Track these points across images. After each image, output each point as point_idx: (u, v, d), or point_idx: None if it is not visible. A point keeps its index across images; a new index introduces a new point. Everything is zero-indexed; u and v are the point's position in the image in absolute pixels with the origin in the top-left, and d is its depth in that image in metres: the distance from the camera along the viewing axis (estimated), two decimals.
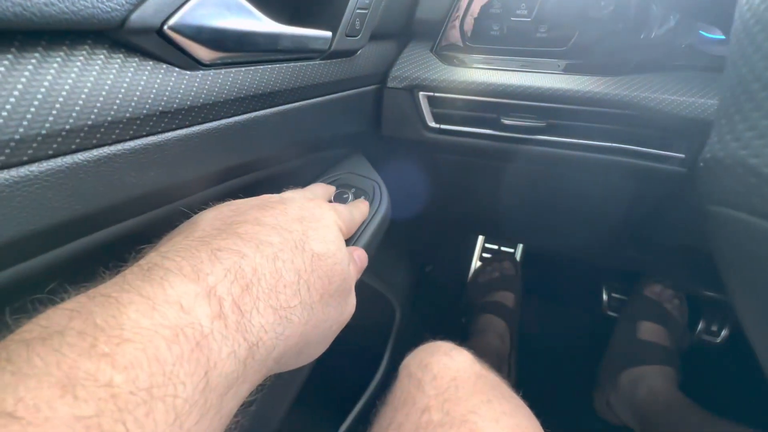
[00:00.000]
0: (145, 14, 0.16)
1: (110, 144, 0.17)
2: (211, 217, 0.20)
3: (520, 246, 0.89)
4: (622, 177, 0.42)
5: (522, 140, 0.41)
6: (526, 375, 0.74)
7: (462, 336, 0.76)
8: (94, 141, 0.16)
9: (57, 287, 0.15)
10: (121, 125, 0.17)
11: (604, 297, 0.82)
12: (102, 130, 0.16)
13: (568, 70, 0.39)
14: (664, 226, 0.49)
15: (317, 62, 0.30)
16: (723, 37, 0.36)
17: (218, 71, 0.22)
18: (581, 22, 0.38)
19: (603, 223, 0.53)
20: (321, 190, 0.32)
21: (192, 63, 0.20)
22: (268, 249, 0.18)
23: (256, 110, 0.26)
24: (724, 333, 0.74)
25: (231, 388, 0.15)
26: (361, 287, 0.25)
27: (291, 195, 0.25)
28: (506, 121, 0.39)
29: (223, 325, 0.15)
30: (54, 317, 0.13)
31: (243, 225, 0.19)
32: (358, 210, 0.31)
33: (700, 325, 0.75)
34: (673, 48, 0.38)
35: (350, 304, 0.24)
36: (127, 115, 0.17)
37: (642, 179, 0.41)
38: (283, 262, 0.19)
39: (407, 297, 0.64)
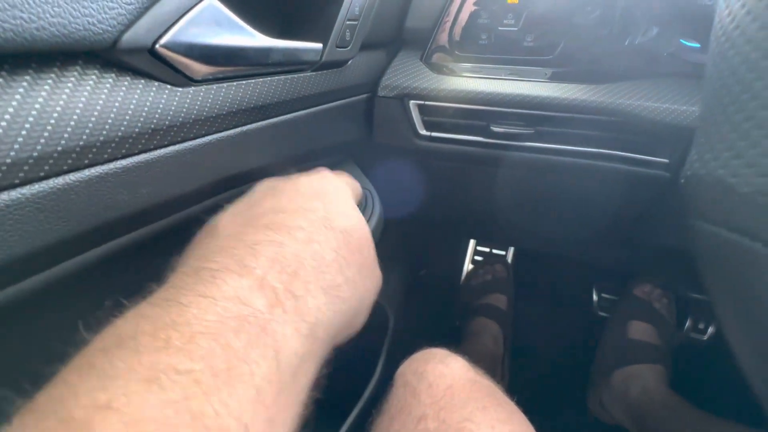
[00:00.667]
0: (137, 34, 0.16)
1: (102, 163, 0.17)
2: (228, 218, 0.20)
3: (512, 249, 0.90)
4: (609, 181, 0.42)
5: (511, 147, 0.41)
6: (520, 377, 0.75)
7: (456, 339, 0.76)
8: (86, 161, 0.16)
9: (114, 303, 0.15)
10: (113, 144, 0.17)
11: (595, 297, 0.83)
12: (94, 150, 0.16)
13: (554, 78, 0.40)
14: (651, 228, 0.50)
15: (308, 74, 0.30)
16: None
17: (210, 87, 0.22)
18: (567, 30, 0.39)
19: (592, 226, 0.54)
20: None
21: (183, 80, 0.20)
22: (300, 233, 0.19)
23: (248, 123, 0.26)
24: (710, 330, 0.75)
25: (301, 366, 0.16)
26: None
27: (284, 182, 0.25)
28: (495, 129, 0.40)
29: (281, 311, 0.16)
30: (123, 326, 0.14)
31: (264, 216, 0.19)
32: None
33: (688, 323, 0.77)
34: (656, 56, 0.39)
35: (379, 271, 0.24)
36: (119, 134, 0.17)
37: (628, 183, 0.42)
38: (319, 244, 0.19)
39: (401, 302, 0.64)
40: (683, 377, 0.66)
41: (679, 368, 0.68)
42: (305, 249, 0.18)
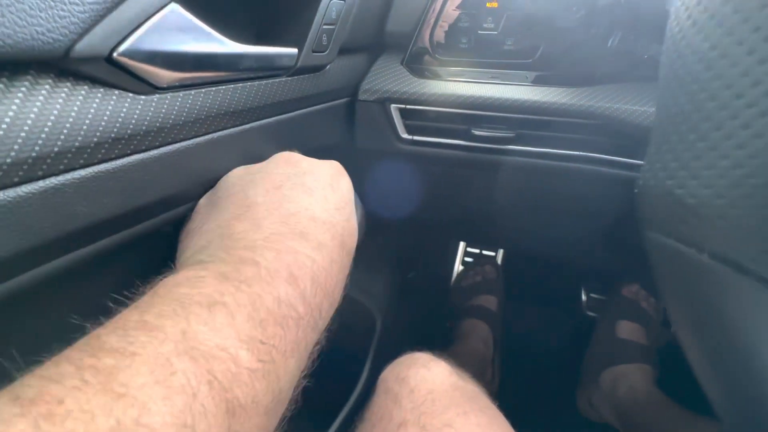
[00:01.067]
0: (91, 42, 0.16)
1: (57, 174, 0.17)
2: (261, 196, 0.23)
3: (501, 250, 0.90)
4: (592, 183, 0.43)
5: (494, 150, 0.41)
6: (510, 377, 0.75)
7: (446, 341, 0.76)
8: (40, 173, 0.16)
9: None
10: (69, 155, 0.17)
11: (583, 297, 0.83)
12: (48, 161, 0.16)
13: (536, 81, 0.40)
14: (635, 229, 0.50)
15: (284, 79, 0.30)
16: None
17: (176, 94, 0.21)
18: (547, 34, 0.39)
19: (578, 228, 0.55)
20: None
21: (147, 87, 0.19)
22: (326, 251, 0.22)
23: (219, 130, 0.25)
24: None
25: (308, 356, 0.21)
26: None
27: (307, 166, 0.27)
28: (477, 132, 0.40)
29: (312, 321, 0.20)
30: (209, 293, 0.17)
31: (299, 219, 0.22)
32: None
33: None
34: (635, 59, 0.39)
35: None
36: (76, 144, 0.17)
37: (610, 185, 0.42)
38: (337, 264, 0.22)
39: (388, 305, 0.64)
40: (670, 375, 0.67)
41: (667, 367, 0.68)
42: (327, 268, 0.22)
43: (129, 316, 0.15)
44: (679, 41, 0.12)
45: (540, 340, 0.81)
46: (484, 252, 0.90)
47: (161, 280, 0.18)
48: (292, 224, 0.22)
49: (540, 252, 0.74)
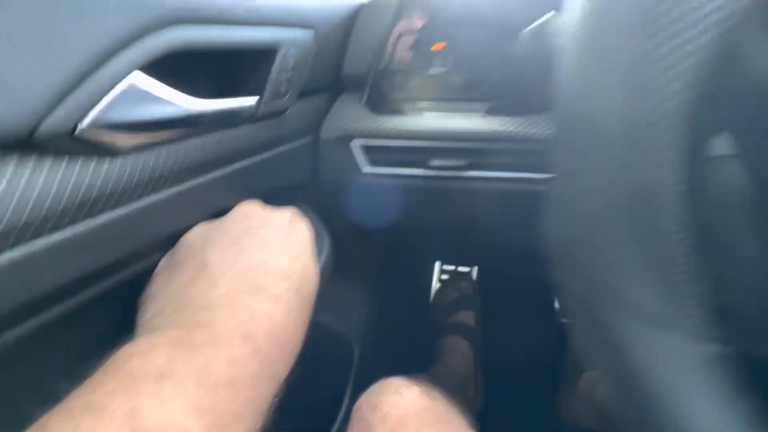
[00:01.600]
0: (55, 121, 0.17)
1: (23, 244, 0.17)
2: (218, 254, 0.23)
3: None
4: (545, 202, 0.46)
5: (453, 177, 0.44)
6: (494, 390, 0.76)
7: (428, 360, 0.77)
8: (6, 244, 0.17)
9: None
10: (35, 225, 0.18)
11: (557, 305, 0.86)
12: (15, 233, 0.17)
13: (490, 112, 0.43)
14: None
15: (246, 126, 0.31)
16: None
17: (140, 155, 0.23)
18: (492, 68, 0.42)
19: (539, 241, 0.57)
20: None
21: (110, 153, 0.21)
22: (282, 302, 0.22)
23: (185, 182, 0.27)
24: None
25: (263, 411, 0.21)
26: (313, 328, 0.27)
27: (263, 218, 0.28)
28: (434, 162, 0.43)
29: (268, 375, 0.20)
30: (157, 363, 0.17)
31: (256, 275, 0.23)
32: None
33: None
34: None
35: None
36: (42, 213, 0.18)
37: None
38: (295, 313, 0.23)
39: (366, 332, 0.64)
40: None
41: None
42: (287, 319, 0.22)
43: (78, 396, 0.16)
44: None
45: (520, 351, 0.83)
46: (459, 269, 0.92)
47: (118, 351, 0.18)
48: (250, 279, 0.22)
49: (510, 266, 0.77)
